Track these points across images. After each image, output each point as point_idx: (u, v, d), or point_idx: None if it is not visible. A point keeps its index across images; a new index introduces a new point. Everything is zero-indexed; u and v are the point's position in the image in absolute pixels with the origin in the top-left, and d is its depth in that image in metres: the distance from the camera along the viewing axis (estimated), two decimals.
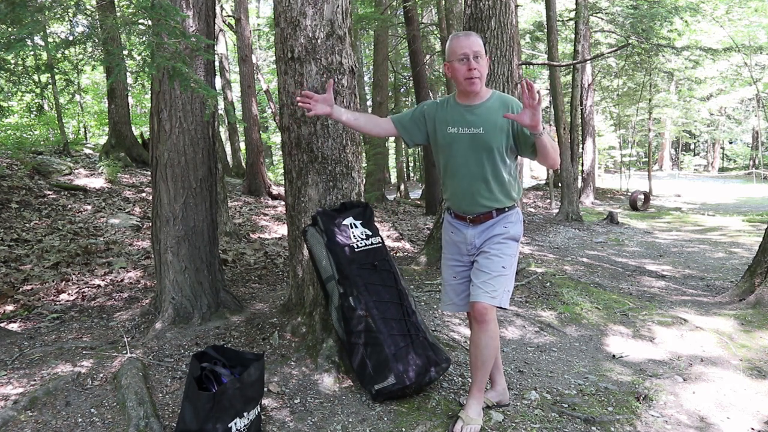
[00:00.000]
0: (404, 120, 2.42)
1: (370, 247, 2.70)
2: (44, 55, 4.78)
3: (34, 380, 2.60)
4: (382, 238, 2.80)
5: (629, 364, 3.11)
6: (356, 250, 2.65)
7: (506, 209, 2.26)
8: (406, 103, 17.46)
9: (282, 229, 7.62)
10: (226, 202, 6.76)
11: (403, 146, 21.93)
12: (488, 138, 2.19)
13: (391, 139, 19.35)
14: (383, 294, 2.60)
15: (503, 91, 4.55)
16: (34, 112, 11.20)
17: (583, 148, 14.03)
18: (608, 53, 12.20)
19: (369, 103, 15.86)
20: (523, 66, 11.31)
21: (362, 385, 2.55)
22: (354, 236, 2.69)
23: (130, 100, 12.51)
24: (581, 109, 13.48)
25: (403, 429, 2.27)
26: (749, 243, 7.80)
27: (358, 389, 2.59)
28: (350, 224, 2.73)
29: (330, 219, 2.69)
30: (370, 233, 2.75)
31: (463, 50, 2.15)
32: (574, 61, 10.49)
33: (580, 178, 13.85)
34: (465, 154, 2.25)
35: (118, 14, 6.48)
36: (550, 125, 15.71)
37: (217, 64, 5.33)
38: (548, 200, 13.85)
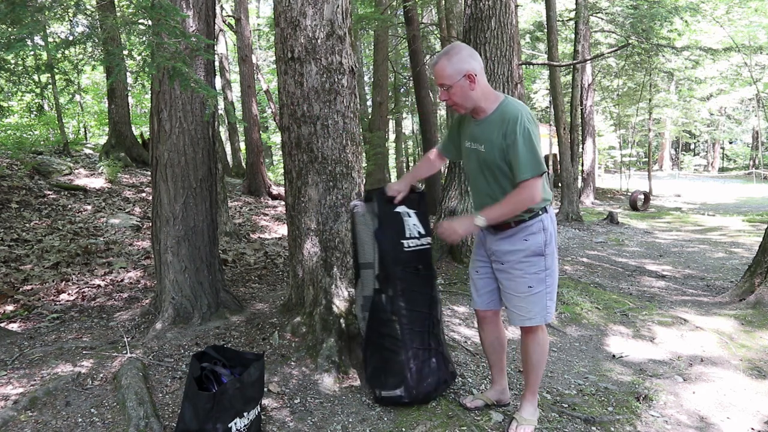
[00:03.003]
0: (446, 144, 2.43)
1: (419, 248, 2.47)
2: (44, 55, 4.78)
3: (34, 380, 2.60)
4: (432, 237, 2.57)
5: (629, 364, 3.11)
6: (406, 250, 2.42)
7: (527, 219, 2.12)
8: (406, 103, 17.45)
9: (282, 229, 7.61)
10: (226, 202, 6.76)
11: (403, 146, 21.93)
12: (488, 156, 2.12)
13: (391, 138, 19.34)
14: (417, 302, 2.44)
15: (503, 92, 4.55)
16: (34, 112, 11.20)
17: (583, 148, 14.03)
18: (608, 53, 12.21)
19: (369, 103, 15.85)
20: (523, 66, 11.31)
21: (367, 381, 2.53)
22: (407, 230, 2.43)
23: (130, 100, 12.50)
24: (581, 109, 13.48)
25: (403, 429, 2.27)
26: (749, 243, 7.80)
27: (358, 389, 2.59)
28: (404, 212, 2.45)
29: (386, 203, 2.41)
30: (423, 231, 2.49)
31: (435, 81, 2.18)
32: (574, 61, 10.50)
33: (580, 178, 13.86)
34: (475, 171, 2.22)
35: (118, 14, 6.49)
36: (550, 125, 15.71)
37: (217, 64, 5.32)
38: None
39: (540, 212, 2.14)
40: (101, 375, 2.67)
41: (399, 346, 2.39)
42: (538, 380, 2.31)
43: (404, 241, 2.42)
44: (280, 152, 6.12)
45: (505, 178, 2.11)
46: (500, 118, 2.08)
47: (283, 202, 9.55)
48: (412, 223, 2.46)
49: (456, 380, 2.67)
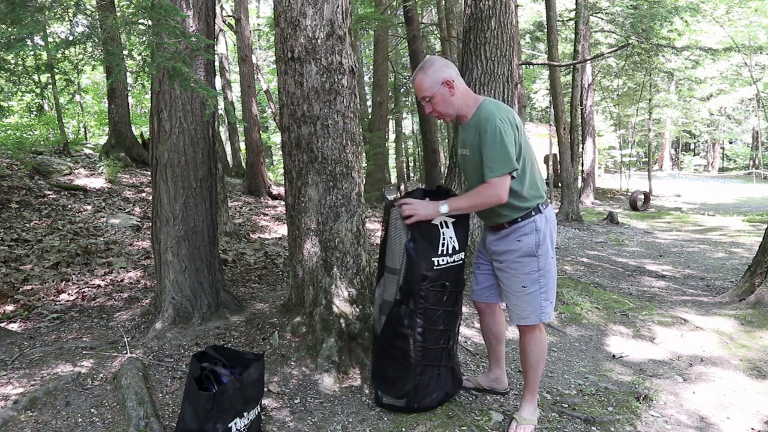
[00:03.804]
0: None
1: (451, 265, 2.31)
2: (44, 55, 4.78)
3: (34, 380, 2.60)
4: (466, 251, 2.41)
5: (629, 364, 3.11)
6: (435, 268, 2.26)
7: (519, 219, 2.16)
8: (406, 102, 17.47)
9: (282, 229, 7.61)
10: (226, 202, 6.76)
11: (403, 146, 21.94)
12: (473, 159, 2.18)
13: (391, 138, 19.35)
14: (438, 320, 2.34)
15: (503, 92, 4.56)
16: (34, 112, 11.20)
17: (583, 148, 14.04)
18: (608, 53, 12.21)
19: (369, 103, 15.86)
20: (523, 66, 11.31)
21: (371, 380, 2.50)
22: (442, 244, 2.26)
23: (130, 100, 12.50)
24: (581, 109, 13.49)
25: (403, 429, 2.27)
26: (749, 243, 7.80)
27: (358, 389, 2.59)
28: (443, 222, 2.28)
29: None
30: (457, 246, 2.32)
31: (417, 96, 2.23)
32: (574, 61, 10.49)
33: (580, 178, 13.86)
34: (469, 176, 2.28)
35: (118, 14, 6.48)
36: (550, 125, 15.72)
37: (217, 64, 5.32)
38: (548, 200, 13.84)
39: (533, 213, 2.17)
40: (101, 375, 2.67)
41: (409, 361, 2.33)
42: (537, 380, 2.33)
43: (435, 259, 2.25)
44: (280, 152, 6.11)
45: None
46: (476, 121, 2.15)
47: (283, 202, 9.56)
48: (449, 236, 2.28)
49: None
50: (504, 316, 2.61)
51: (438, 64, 2.17)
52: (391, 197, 2.65)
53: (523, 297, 2.21)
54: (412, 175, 25.84)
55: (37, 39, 3.19)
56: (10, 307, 3.92)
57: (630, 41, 12.36)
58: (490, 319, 2.51)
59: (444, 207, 2.16)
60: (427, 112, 2.25)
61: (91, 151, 10.02)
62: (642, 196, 13.86)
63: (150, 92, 3.47)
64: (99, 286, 4.54)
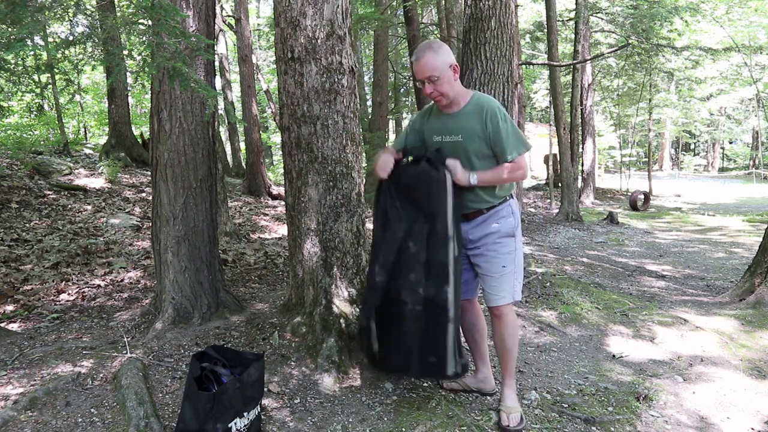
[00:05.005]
0: (401, 142, 2.49)
1: None
2: (44, 55, 4.78)
3: (34, 380, 2.60)
4: None
5: (629, 364, 3.11)
6: None
7: (497, 205, 2.30)
8: (406, 103, 17.46)
9: (282, 229, 7.61)
10: (226, 202, 6.76)
11: None
12: (465, 144, 2.26)
13: (391, 138, 19.35)
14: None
15: (503, 92, 4.56)
16: (34, 112, 11.20)
17: (583, 148, 14.03)
18: (608, 53, 12.21)
19: (369, 103, 15.85)
20: (523, 66, 11.31)
21: (454, 361, 2.31)
22: None
23: (130, 100, 12.50)
24: (581, 109, 13.48)
25: (403, 429, 2.27)
26: (749, 243, 7.80)
27: (358, 389, 2.59)
28: None
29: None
30: None
31: (417, 76, 2.23)
32: (574, 61, 10.49)
33: (580, 178, 13.85)
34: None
35: (118, 14, 6.48)
36: (550, 125, 15.73)
37: (217, 64, 5.32)
38: (548, 200, 13.86)
39: (507, 198, 2.33)
40: (101, 375, 2.67)
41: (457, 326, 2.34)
42: (514, 364, 2.40)
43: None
44: (280, 152, 6.12)
45: (483, 162, 2.25)
46: (476, 109, 2.24)
47: (283, 202, 9.55)
48: None
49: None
50: (482, 309, 2.63)
51: (445, 47, 2.26)
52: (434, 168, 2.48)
53: (501, 278, 2.29)
54: None
55: (37, 39, 3.19)
56: (10, 307, 3.92)
57: (630, 41, 12.35)
58: (471, 315, 2.55)
59: (474, 178, 2.23)
60: (425, 93, 2.25)
61: (91, 151, 10.02)
62: (642, 196, 13.86)
63: (150, 92, 3.47)
64: (99, 286, 4.54)
